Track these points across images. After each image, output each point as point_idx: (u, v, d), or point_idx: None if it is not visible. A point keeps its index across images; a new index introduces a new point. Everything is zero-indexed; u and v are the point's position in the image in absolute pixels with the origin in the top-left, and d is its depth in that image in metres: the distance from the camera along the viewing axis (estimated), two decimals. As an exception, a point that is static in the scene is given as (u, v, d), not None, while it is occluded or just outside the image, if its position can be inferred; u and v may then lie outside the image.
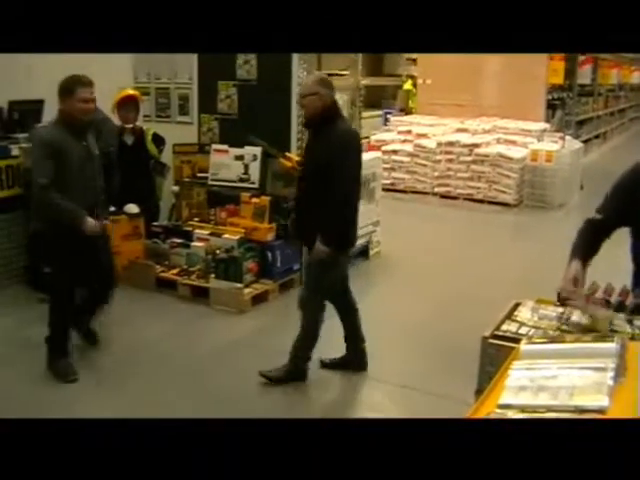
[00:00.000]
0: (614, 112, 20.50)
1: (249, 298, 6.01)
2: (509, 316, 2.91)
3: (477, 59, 12.58)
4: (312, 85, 4.43)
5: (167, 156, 6.99)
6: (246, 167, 6.56)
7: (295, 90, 6.41)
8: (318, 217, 4.39)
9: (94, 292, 5.14)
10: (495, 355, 2.69)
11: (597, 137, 17.71)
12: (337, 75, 17.27)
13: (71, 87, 4.56)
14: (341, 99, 16.54)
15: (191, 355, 5.17)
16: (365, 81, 18.51)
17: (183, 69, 7.07)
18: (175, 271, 6.44)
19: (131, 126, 6.68)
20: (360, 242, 7.55)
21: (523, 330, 2.77)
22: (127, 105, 6.65)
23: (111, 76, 7.21)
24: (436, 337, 5.58)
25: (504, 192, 10.66)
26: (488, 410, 2.01)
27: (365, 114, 17.85)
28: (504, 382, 2.15)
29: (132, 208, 6.60)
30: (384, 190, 11.10)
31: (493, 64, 12.56)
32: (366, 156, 8.28)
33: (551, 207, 10.57)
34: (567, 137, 11.72)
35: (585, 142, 13.92)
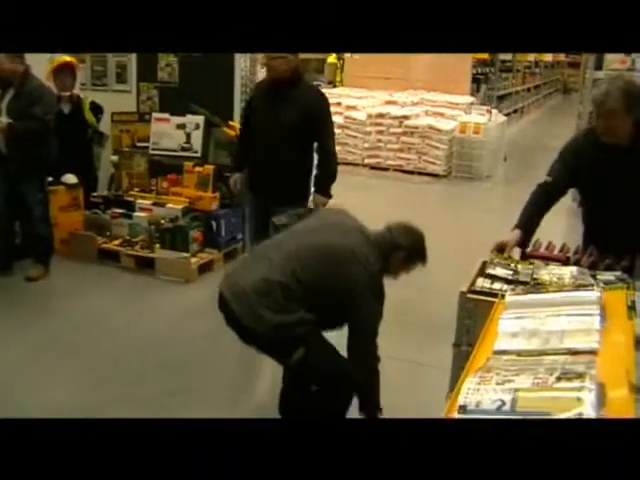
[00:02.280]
0: (530, 88, 21.11)
1: (195, 267, 5.99)
2: (481, 273, 3.03)
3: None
4: None
5: (105, 125, 6.85)
6: (188, 136, 6.50)
7: (239, 60, 6.39)
8: (301, 173, 4.69)
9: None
10: (473, 309, 2.81)
11: (515, 112, 18.22)
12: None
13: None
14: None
15: (144, 324, 5.14)
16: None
17: (121, 36, 6.89)
18: (117, 242, 6.35)
19: (68, 94, 6.50)
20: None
21: (496, 285, 2.89)
22: (63, 72, 6.47)
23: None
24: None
25: (433, 163, 10.88)
26: (485, 356, 2.12)
27: (290, 87, 17.87)
28: (495, 330, 2.26)
29: (70, 179, 6.45)
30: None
31: (420, 38, 12.72)
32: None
33: (478, 178, 10.86)
34: (494, 110, 12.04)
35: (505, 116, 14.31)
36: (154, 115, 6.69)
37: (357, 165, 11.44)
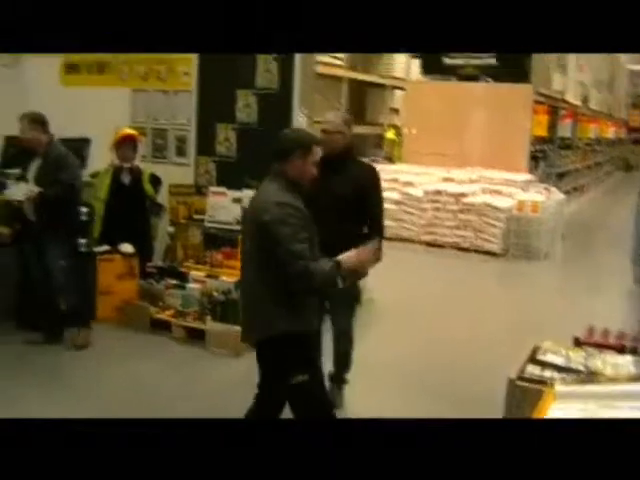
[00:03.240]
0: (591, 165, 20.92)
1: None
2: (532, 359, 2.93)
3: (462, 109, 12.82)
4: (339, 124, 4.61)
5: (163, 197, 7.00)
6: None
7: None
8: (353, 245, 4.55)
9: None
10: (521, 397, 2.70)
11: (575, 189, 18.02)
12: (320, 122, 17.55)
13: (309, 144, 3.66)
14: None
15: (191, 394, 5.12)
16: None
17: (181, 110, 7.13)
18: (170, 312, 6.39)
19: (129, 165, 6.69)
20: (353, 287, 7.61)
21: (547, 373, 2.79)
22: (126, 144, 6.68)
23: (107, 114, 7.29)
24: (421, 381, 5.59)
25: (490, 241, 10.76)
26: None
27: (348, 162, 18.05)
28: (544, 422, 2.17)
29: (127, 247, 6.58)
30: (370, 237, 11.22)
31: (478, 114, 12.80)
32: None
33: (536, 257, 10.68)
34: (553, 188, 11.93)
35: (564, 194, 14.16)
36: (211, 189, 6.81)
37: (413, 242, 11.40)
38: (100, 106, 7.49)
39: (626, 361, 2.87)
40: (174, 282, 6.54)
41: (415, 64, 14.28)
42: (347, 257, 3.44)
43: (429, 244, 11.28)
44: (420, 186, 11.59)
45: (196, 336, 6.14)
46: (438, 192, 11.23)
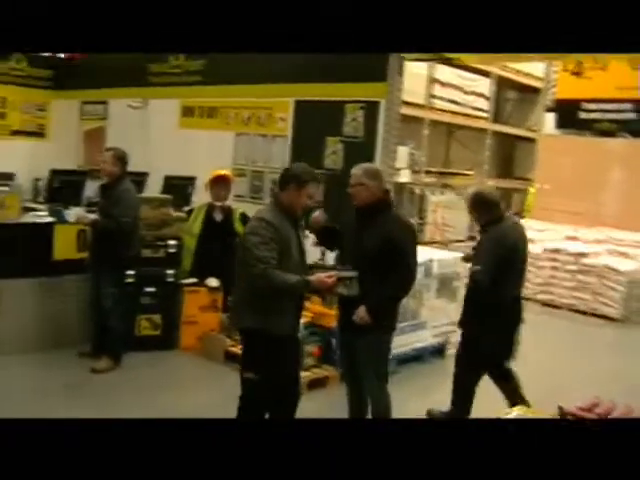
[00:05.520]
0: None
1: (306, 381, 6.04)
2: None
3: (597, 166, 12.30)
4: (359, 176, 4.52)
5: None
6: (323, 253, 6.70)
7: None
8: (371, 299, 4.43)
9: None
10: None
11: None
12: (461, 175, 17.37)
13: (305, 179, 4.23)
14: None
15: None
16: (491, 182, 18.42)
17: (277, 154, 7.43)
18: (243, 346, 6.60)
19: (221, 204, 7.04)
20: (437, 340, 7.49)
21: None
22: (219, 184, 7.05)
23: (215, 155, 7.74)
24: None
25: (609, 305, 10.19)
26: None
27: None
28: None
29: (212, 282, 6.90)
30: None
31: (614, 172, 12.25)
32: (448, 255, 8.21)
33: (660, 326, 9.98)
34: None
35: None
36: (293, 230, 7.01)
37: (528, 300, 10.99)
38: (209, 147, 7.97)
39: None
40: (251, 318, 6.75)
41: (550, 117, 13.93)
42: (318, 279, 4.09)
43: (545, 304, 10.85)
44: (540, 243, 11.21)
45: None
46: (557, 250, 10.81)
